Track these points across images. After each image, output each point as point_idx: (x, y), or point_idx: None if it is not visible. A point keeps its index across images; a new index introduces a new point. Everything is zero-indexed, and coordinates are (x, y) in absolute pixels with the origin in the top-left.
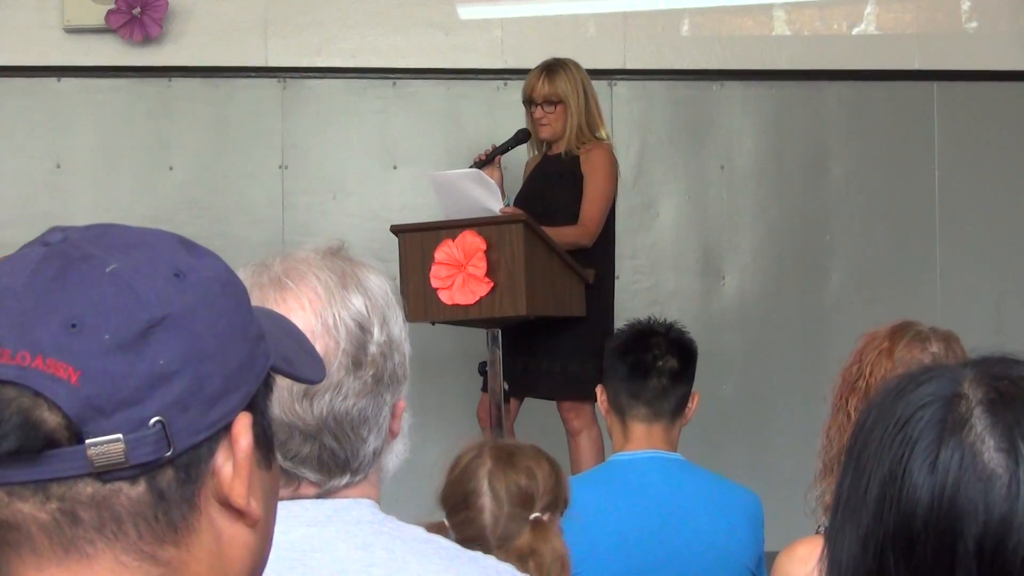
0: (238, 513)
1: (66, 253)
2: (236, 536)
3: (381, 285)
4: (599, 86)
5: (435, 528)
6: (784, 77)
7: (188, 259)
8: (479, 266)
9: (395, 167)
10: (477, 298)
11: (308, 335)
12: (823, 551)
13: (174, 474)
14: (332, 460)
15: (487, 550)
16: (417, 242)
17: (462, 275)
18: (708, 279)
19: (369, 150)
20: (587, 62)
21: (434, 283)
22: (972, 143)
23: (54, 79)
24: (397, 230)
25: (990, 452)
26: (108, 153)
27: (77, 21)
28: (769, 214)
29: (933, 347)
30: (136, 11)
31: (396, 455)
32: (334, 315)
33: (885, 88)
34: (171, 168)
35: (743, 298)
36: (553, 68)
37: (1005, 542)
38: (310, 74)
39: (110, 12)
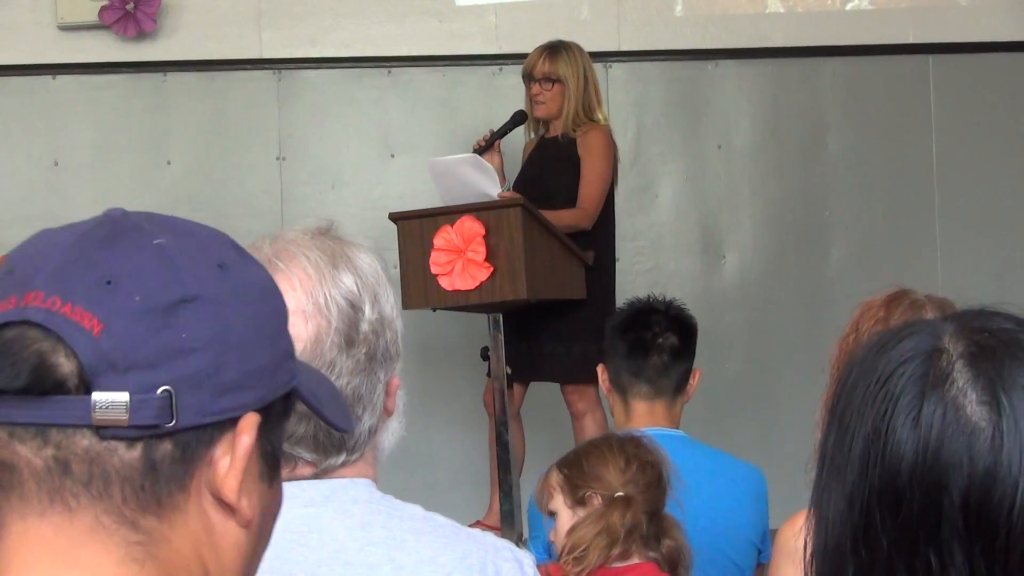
0: (229, 509)
1: (119, 222)
2: (227, 532)
3: (371, 263)
4: (595, 68)
5: None
6: (779, 55)
7: (236, 257)
8: (478, 251)
9: (392, 155)
10: (477, 283)
11: (299, 315)
12: (809, 510)
13: (171, 449)
14: (328, 439)
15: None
16: (416, 229)
17: (462, 260)
18: (708, 259)
19: (366, 139)
20: (582, 44)
21: (434, 269)
22: (968, 115)
23: (49, 77)
24: (396, 217)
25: (972, 405)
26: (105, 149)
27: (71, 18)
28: (768, 192)
29: (929, 315)
30: (129, 6)
31: (392, 433)
32: (325, 294)
33: (880, 63)
34: (169, 162)
35: (744, 277)
36: (556, 48)
37: (990, 494)
38: (305, 65)
39: (103, 8)
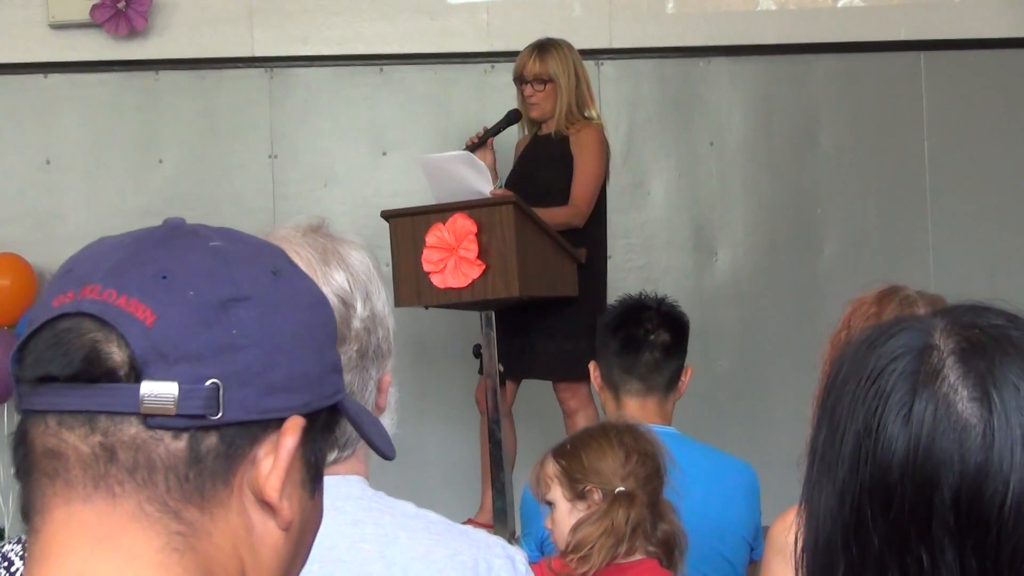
0: (271, 510)
1: (177, 227)
2: (267, 533)
3: (363, 260)
4: (586, 66)
5: None
6: (771, 52)
7: (288, 267)
8: (470, 248)
9: (384, 153)
10: (469, 281)
11: None
12: (800, 506)
13: (216, 443)
14: None
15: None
16: (408, 227)
17: (454, 258)
18: (701, 256)
19: (358, 137)
20: (573, 42)
21: (426, 267)
22: (960, 111)
23: (41, 75)
24: (388, 215)
25: (963, 402)
26: (97, 148)
27: (62, 17)
28: (760, 189)
29: (920, 311)
30: (121, 5)
31: None
32: None
33: (872, 60)
34: (161, 161)
35: (736, 274)
36: (545, 47)
37: (981, 491)
38: (297, 63)
39: (95, 7)
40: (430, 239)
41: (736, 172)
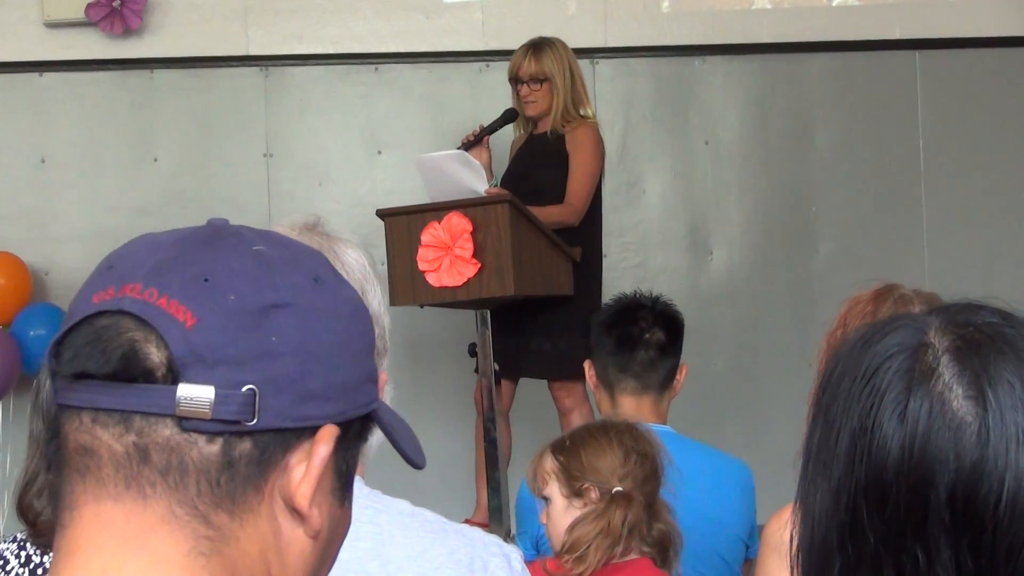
0: (300, 518)
1: (222, 228)
2: (295, 541)
3: (359, 259)
4: (581, 65)
5: None
6: (766, 50)
7: (331, 275)
8: (466, 247)
9: (379, 152)
10: (464, 279)
11: None
12: (795, 504)
13: (250, 448)
14: None
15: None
16: (403, 225)
17: (449, 257)
18: (696, 255)
19: (353, 136)
20: (568, 41)
21: (421, 266)
22: (955, 110)
23: (36, 74)
24: (383, 214)
25: (959, 400)
26: (92, 146)
27: (57, 15)
28: (755, 188)
29: (916, 309)
30: (116, 3)
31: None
32: None
33: (867, 58)
34: (156, 160)
35: (732, 273)
36: (539, 46)
37: (977, 489)
38: (292, 62)
39: (90, 5)
40: (425, 238)
41: (731, 171)
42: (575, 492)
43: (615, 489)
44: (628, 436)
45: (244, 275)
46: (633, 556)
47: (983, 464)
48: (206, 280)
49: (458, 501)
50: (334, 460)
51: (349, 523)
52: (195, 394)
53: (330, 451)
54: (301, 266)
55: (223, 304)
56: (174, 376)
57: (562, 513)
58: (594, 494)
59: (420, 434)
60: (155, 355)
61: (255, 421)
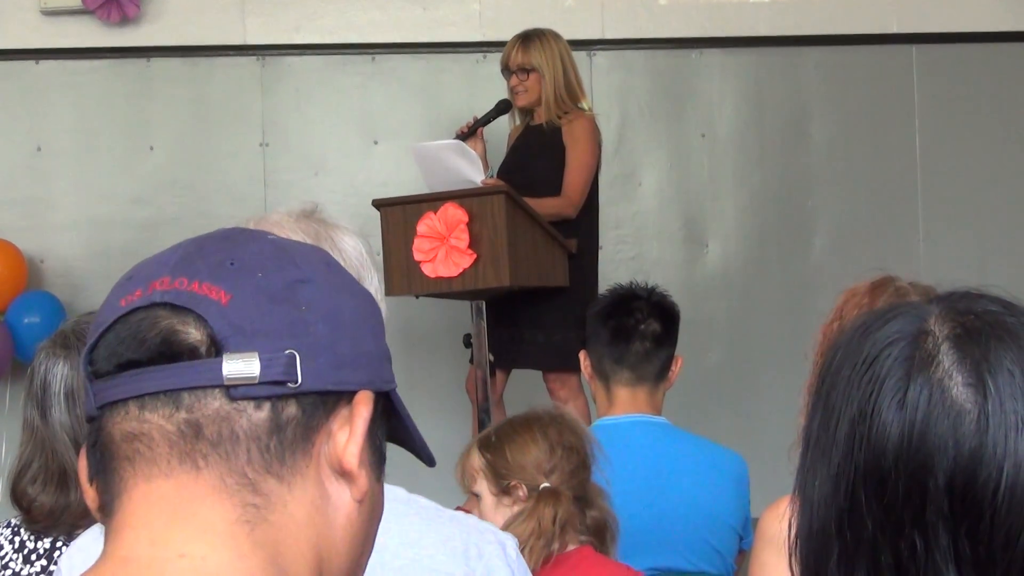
0: (347, 480)
1: (235, 228)
2: (343, 504)
3: (355, 246)
4: (578, 57)
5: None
6: (763, 43)
7: (338, 263)
8: (461, 238)
9: (376, 142)
10: (460, 270)
11: None
12: (794, 492)
13: (296, 412)
14: None
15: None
16: (399, 216)
17: (445, 247)
18: (691, 247)
19: (349, 126)
20: (565, 33)
21: (417, 256)
22: (951, 105)
23: (32, 62)
24: (379, 204)
25: (958, 387)
26: (89, 135)
27: (54, 3)
28: (751, 181)
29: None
30: None
31: None
32: None
33: (864, 52)
34: (152, 148)
35: (727, 265)
36: (529, 37)
37: (975, 476)
38: (289, 51)
39: None
40: (421, 228)
41: (727, 164)
42: (503, 490)
43: (542, 486)
44: (553, 429)
45: (266, 257)
46: (572, 547)
47: (982, 451)
48: (232, 264)
49: (452, 490)
50: (369, 431)
51: (383, 503)
52: (241, 359)
53: (371, 413)
54: (313, 252)
55: (252, 281)
56: (217, 350)
57: (492, 510)
58: (522, 491)
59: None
60: (194, 334)
61: (299, 383)
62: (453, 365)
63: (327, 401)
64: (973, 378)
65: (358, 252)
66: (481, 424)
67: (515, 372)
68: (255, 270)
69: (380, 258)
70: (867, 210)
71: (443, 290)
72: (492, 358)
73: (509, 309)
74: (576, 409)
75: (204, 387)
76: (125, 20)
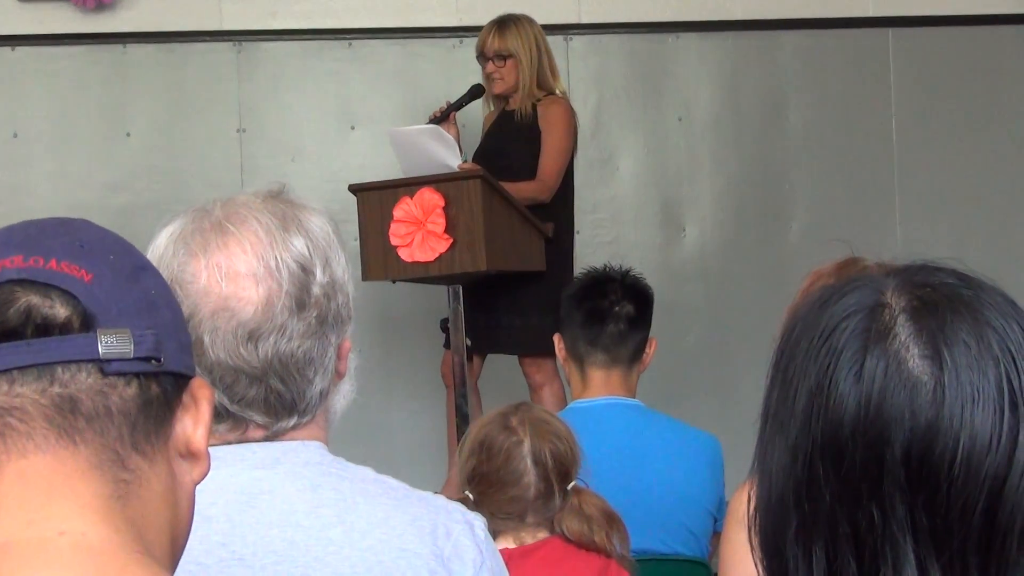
0: (193, 460)
1: (64, 217)
2: (186, 484)
3: (323, 226)
4: (554, 41)
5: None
6: (739, 27)
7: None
8: (438, 222)
9: (352, 128)
10: (437, 254)
11: (250, 278)
12: (753, 463)
13: (158, 391)
14: (279, 402)
15: (526, 524)
16: (376, 200)
17: (421, 232)
18: (669, 231)
19: (326, 112)
20: (542, 17)
21: (393, 241)
22: (928, 88)
23: (8, 48)
24: (355, 189)
25: (915, 360)
26: (65, 121)
27: None
28: (728, 165)
29: None
30: None
31: (343, 396)
32: (276, 257)
33: (840, 36)
34: (128, 134)
35: (704, 249)
36: (504, 23)
37: (932, 448)
38: (265, 37)
39: None
40: (397, 213)
41: (704, 147)
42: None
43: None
44: (540, 466)
45: (110, 242)
46: (542, 536)
47: (938, 423)
48: (82, 246)
49: (428, 476)
50: None
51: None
52: (115, 337)
53: (211, 397)
54: (132, 245)
55: (107, 262)
56: (88, 326)
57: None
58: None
59: (391, 410)
60: (60, 309)
61: (163, 362)
62: (429, 350)
63: (178, 383)
64: (929, 350)
65: (325, 232)
66: (458, 408)
67: (491, 356)
68: (106, 252)
69: (356, 243)
70: (844, 193)
71: (420, 275)
72: (469, 343)
73: (486, 294)
74: (552, 393)
75: (78, 361)
76: (101, 6)
